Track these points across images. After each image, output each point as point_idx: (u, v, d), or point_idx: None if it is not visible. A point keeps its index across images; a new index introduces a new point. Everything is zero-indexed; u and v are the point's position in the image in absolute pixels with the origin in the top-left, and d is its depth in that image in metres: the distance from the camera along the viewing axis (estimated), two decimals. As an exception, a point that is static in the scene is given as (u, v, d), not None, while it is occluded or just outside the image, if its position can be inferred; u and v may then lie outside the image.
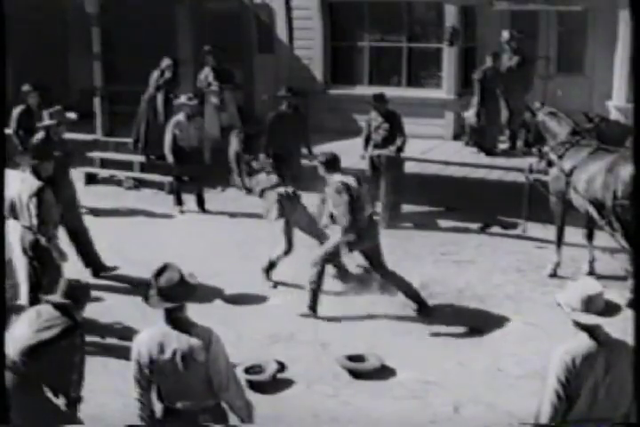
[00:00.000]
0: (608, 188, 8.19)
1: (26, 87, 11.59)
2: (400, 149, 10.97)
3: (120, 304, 8.48)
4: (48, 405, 5.04)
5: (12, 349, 4.97)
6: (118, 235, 10.55)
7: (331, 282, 8.69)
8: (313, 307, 8.18)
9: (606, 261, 9.22)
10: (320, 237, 8.88)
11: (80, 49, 14.79)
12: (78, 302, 5.18)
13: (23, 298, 7.60)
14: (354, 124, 13.35)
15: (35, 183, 7.50)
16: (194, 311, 4.69)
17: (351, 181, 7.98)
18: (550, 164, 9.09)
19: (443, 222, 11.08)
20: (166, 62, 12.97)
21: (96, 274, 9.22)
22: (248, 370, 7.00)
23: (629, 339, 4.39)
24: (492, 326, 8.00)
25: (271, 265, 9.01)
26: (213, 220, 11.56)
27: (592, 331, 4.30)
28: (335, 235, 8.16)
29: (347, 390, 6.86)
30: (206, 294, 7.96)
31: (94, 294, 8.24)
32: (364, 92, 13.09)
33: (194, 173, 11.86)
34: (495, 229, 10.83)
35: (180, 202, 11.94)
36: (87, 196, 12.45)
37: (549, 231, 9.49)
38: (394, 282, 8.21)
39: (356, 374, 7.11)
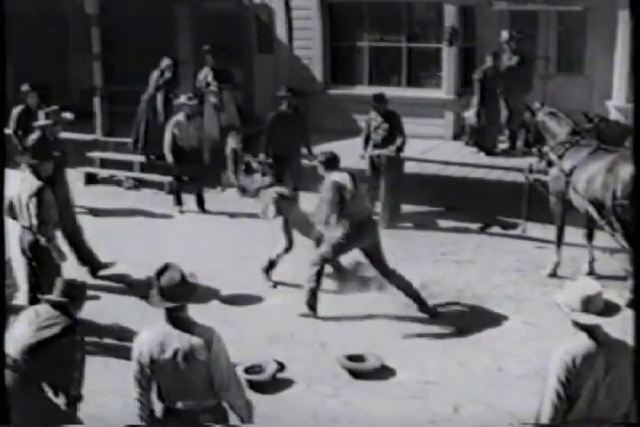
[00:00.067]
0: (608, 187, 8.20)
1: (25, 87, 11.59)
2: (400, 149, 10.97)
3: (119, 304, 8.48)
4: (48, 404, 5.05)
5: (13, 348, 4.98)
6: (118, 235, 10.56)
7: (330, 282, 8.70)
8: (312, 307, 8.18)
9: (606, 261, 9.22)
10: (315, 237, 8.91)
11: (80, 49, 14.78)
12: (75, 300, 5.21)
13: (22, 298, 7.60)
14: (354, 124, 13.35)
15: (35, 183, 7.50)
16: (194, 311, 4.69)
17: (347, 179, 7.99)
18: (550, 164, 9.09)
19: (442, 222, 11.08)
20: (166, 62, 12.97)
21: (94, 273, 9.22)
22: (248, 370, 7.00)
23: (629, 339, 4.39)
24: (492, 326, 8.00)
25: (271, 264, 9.02)
26: (213, 220, 11.55)
27: (591, 331, 4.30)
28: (334, 235, 8.16)
29: (347, 390, 6.86)
30: (206, 293, 7.95)
31: (93, 293, 8.31)
32: (364, 92, 13.10)
33: (193, 173, 11.86)
34: (495, 229, 10.83)
35: (179, 202, 11.94)
36: (87, 196, 12.48)
37: (549, 231, 9.50)
38: (394, 281, 8.21)
39: (356, 374, 7.11)
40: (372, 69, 14.29)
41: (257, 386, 6.81)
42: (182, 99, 11.85)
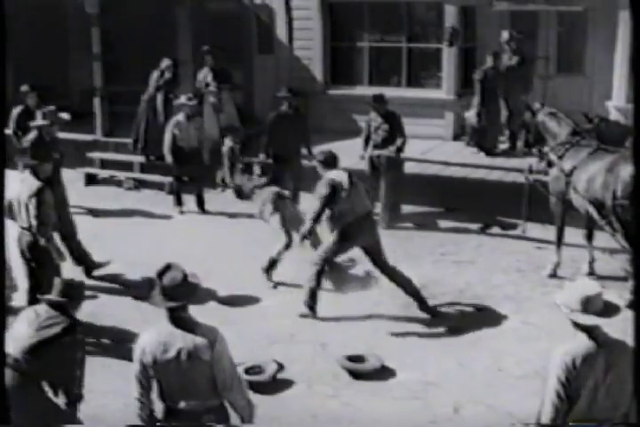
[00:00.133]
0: (608, 187, 8.20)
1: (24, 88, 11.60)
2: (400, 150, 10.97)
3: (118, 305, 8.48)
4: (48, 404, 5.05)
5: (14, 348, 4.99)
6: (118, 235, 10.55)
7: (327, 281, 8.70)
8: (311, 307, 8.18)
9: (606, 261, 9.21)
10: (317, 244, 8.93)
11: (80, 49, 14.78)
12: (74, 300, 5.23)
13: (20, 299, 7.57)
14: (354, 124, 13.35)
15: (34, 184, 7.49)
16: (193, 312, 4.69)
17: (343, 177, 8.00)
18: (550, 164, 9.10)
19: (442, 223, 11.08)
20: (166, 63, 12.97)
21: (88, 273, 9.20)
22: (248, 371, 7.00)
23: (629, 339, 4.39)
24: (492, 326, 8.00)
25: (272, 263, 9.01)
26: (213, 220, 11.55)
27: (591, 331, 4.30)
28: (333, 235, 8.17)
29: (347, 391, 6.86)
30: (206, 294, 7.96)
31: (92, 294, 8.32)
32: (364, 92, 13.10)
33: (193, 174, 11.86)
34: (495, 229, 10.83)
35: (179, 202, 11.94)
36: (87, 196, 12.49)
37: (549, 232, 9.49)
38: (394, 278, 8.22)
39: (356, 375, 7.11)
40: (372, 70, 14.29)
41: (257, 387, 6.81)
42: (182, 99, 11.85)
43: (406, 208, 11.28)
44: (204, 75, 13.22)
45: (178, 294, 4.56)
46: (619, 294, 6.34)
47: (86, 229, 9.61)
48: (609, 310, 4.33)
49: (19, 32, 12.03)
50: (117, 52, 14.71)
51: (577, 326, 4.33)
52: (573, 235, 9.13)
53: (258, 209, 9.28)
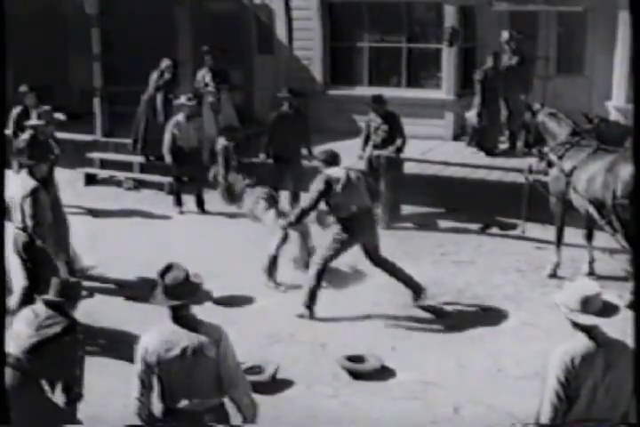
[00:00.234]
0: (608, 187, 8.20)
1: (23, 88, 11.60)
2: (400, 150, 10.97)
3: (117, 305, 8.48)
4: (48, 404, 5.05)
5: (14, 347, 4.99)
6: (118, 236, 10.55)
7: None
8: (309, 307, 8.18)
9: (606, 261, 9.22)
10: (306, 236, 8.96)
11: (80, 49, 14.78)
12: (71, 300, 5.24)
13: (13, 302, 7.53)
14: (354, 124, 13.35)
15: (29, 184, 7.46)
16: (193, 312, 4.69)
17: (340, 173, 8.00)
18: (550, 164, 9.10)
19: (442, 223, 11.08)
20: (166, 63, 12.98)
21: (72, 273, 9.14)
22: (248, 371, 6.98)
23: (629, 339, 4.39)
24: (491, 326, 8.00)
25: (272, 261, 8.98)
26: (213, 220, 11.55)
27: (590, 331, 4.30)
28: (332, 234, 8.17)
29: (346, 391, 6.86)
30: (205, 294, 7.94)
31: (91, 294, 8.31)
32: (364, 92, 13.10)
33: (193, 174, 11.86)
34: (495, 229, 10.83)
35: (179, 202, 11.94)
36: (87, 196, 12.49)
37: (549, 232, 9.49)
38: (393, 273, 8.22)
39: (356, 375, 7.10)
40: (371, 70, 14.29)
41: (257, 387, 6.78)
42: (182, 99, 11.86)
43: (406, 208, 11.29)
44: (203, 75, 13.22)
45: (180, 292, 4.57)
46: (618, 294, 6.35)
47: (86, 230, 9.62)
48: (608, 309, 4.33)
49: (19, 32, 12.01)
50: (117, 52, 14.69)
51: (576, 325, 4.33)
52: (573, 235, 9.13)
53: (247, 208, 9.30)
